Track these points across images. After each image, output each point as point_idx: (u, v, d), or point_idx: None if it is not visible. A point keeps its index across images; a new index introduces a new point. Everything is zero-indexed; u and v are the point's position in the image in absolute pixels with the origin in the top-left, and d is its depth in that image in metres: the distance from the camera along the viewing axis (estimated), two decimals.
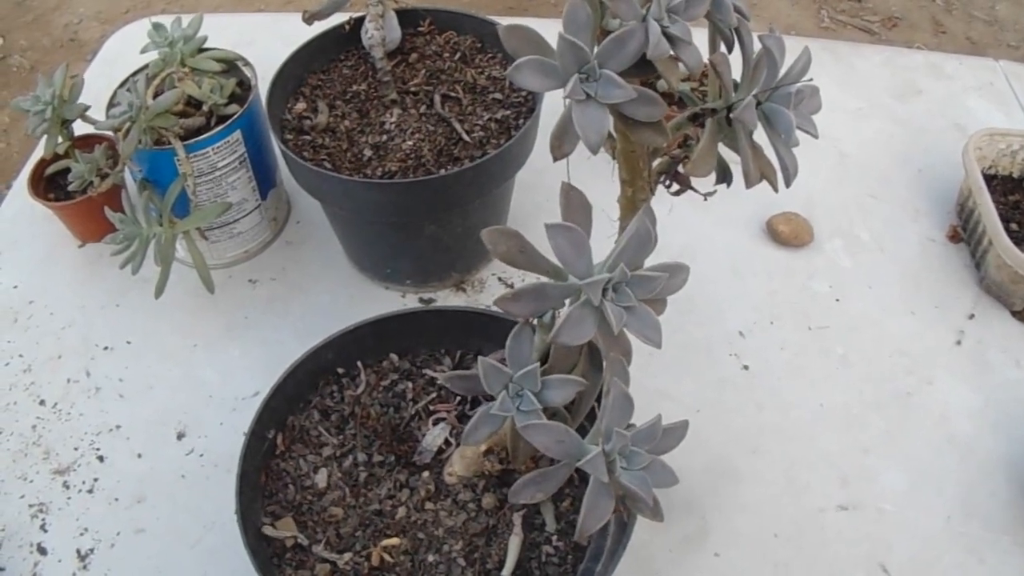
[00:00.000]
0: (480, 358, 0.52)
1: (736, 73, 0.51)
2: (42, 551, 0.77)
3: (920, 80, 1.23)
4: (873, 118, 1.17)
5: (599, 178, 0.64)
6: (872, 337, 0.93)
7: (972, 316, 0.95)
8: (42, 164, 0.97)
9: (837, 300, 0.96)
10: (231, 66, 0.94)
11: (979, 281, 0.97)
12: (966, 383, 0.89)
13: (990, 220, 0.92)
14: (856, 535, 0.79)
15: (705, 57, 0.50)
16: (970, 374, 0.90)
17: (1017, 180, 1.02)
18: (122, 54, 1.20)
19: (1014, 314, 0.94)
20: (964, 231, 1.02)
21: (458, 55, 0.96)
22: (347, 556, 0.65)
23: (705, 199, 0.65)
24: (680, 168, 0.61)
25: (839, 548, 0.78)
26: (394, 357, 0.77)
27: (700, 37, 0.48)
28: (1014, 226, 0.97)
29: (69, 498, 0.81)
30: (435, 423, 0.72)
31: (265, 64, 0.93)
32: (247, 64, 0.95)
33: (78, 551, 0.77)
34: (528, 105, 0.90)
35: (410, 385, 0.75)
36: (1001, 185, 1.02)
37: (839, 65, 1.25)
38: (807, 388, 0.89)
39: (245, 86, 0.93)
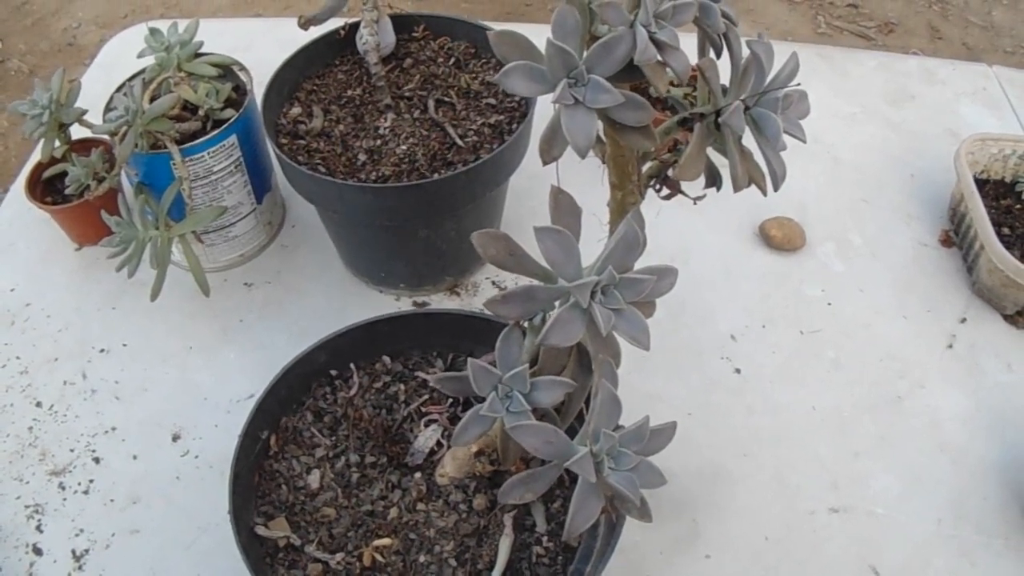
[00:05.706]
0: (470, 359, 0.52)
1: (725, 78, 0.52)
2: (38, 552, 0.78)
3: (913, 85, 1.23)
4: (866, 123, 1.18)
5: (589, 182, 0.65)
6: (864, 341, 0.93)
7: (964, 320, 0.95)
8: (39, 167, 0.98)
9: (829, 304, 0.97)
10: (227, 71, 0.94)
11: (971, 285, 0.98)
12: (958, 387, 0.90)
13: (982, 225, 0.93)
14: (847, 538, 0.79)
15: (693, 62, 0.51)
16: (962, 378, 0.90)
17: (1009, 185, 1.03)
18: (120, 59, 1.21)
19: (1006, 318, 0.95)
20: (956, 235, 1.02)
21: (452, 60, 0.97)
22: (339, 556, 0.66)
23: (695, 203, 0.65)
24: (669, 172, 0.62)
25: (830, 551, 0.78)
26: (387, 359, 0.78)
27: (690, 43, 0.48)
28: (1006, 230, 0.97)
29: (65, 499, 0.81)
30: (427, 425, 0.73)
31: (261, 69, 0.94)
32: (243, 69, 0.95)
33: (73, 552, 0.78)
34: (521, 110, 0.91)
35: (402, 387, 0.76)
36: (993, 190, 1.02)
37: (833, 70, 1.25)
38: (799, 391, 0.89)
39: (241, 91, 0.94)
